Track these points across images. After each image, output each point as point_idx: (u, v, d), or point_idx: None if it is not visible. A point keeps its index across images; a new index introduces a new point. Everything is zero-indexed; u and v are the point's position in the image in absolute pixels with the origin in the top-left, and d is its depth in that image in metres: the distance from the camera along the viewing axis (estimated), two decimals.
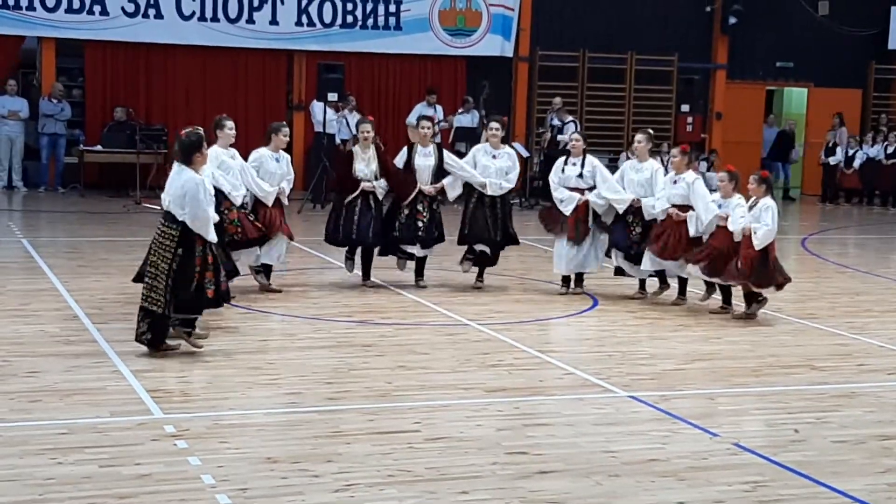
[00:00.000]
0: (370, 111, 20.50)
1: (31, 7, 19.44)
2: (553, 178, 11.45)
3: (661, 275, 11.14)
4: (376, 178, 11.13)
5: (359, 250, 11.37)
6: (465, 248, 11.64)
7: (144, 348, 8.27)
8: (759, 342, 9.60)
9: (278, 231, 10.70)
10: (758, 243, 10.12)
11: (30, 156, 20.05)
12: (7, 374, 7.67)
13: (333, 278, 11.92)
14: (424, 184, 11.24)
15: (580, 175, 11.20)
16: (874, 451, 6.63)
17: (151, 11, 19.96)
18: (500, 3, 21.85)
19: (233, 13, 20.38)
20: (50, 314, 9.65)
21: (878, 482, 6.10)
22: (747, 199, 10.35)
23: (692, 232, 10.65)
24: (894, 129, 23.73)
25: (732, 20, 23.01)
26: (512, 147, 12.41)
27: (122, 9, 19.80)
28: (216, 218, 8.42)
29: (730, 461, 6.36)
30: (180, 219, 8.07)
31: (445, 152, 11.63)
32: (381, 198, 11.25)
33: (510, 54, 22.09)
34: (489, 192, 11.36)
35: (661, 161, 21.90)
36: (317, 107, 19.44)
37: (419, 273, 11.60)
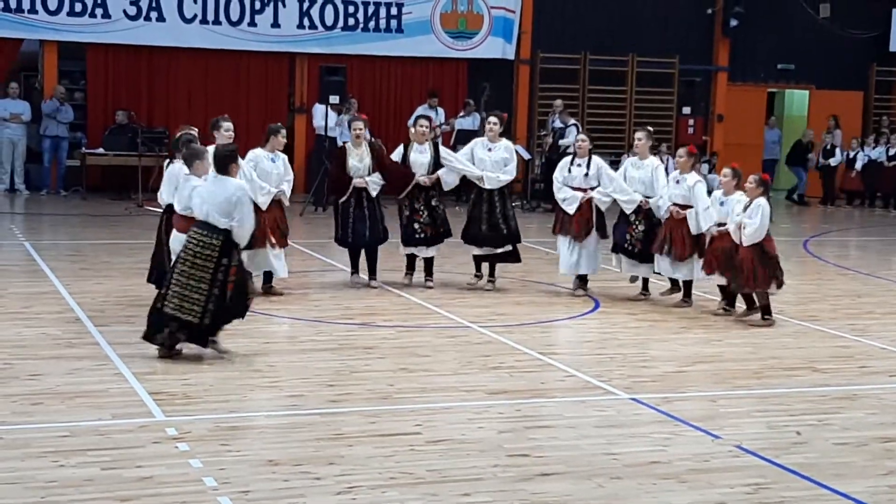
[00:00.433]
0: (372, 114, 20.50)
1: (32, 10, 19.44)
2: (557, 177, 11.51)
3: (674, 280, 11.17)
4: (370, 174, 11.20)
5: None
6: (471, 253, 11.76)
7: (145, 350, 8.28)
8: (761, 344, 9.59)
9: (260, 244, 10.37)
10: (745, 241, 10.18)
11: (32, 159, 20.05)
12: (9, 376, 7.67)
13: (335, 281, 11.92)
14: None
15: (586, 175, 11.26)
16: (876, 453, 6.63)
17: (153, 14, 19.96)
18: (502, 5, 21.86)
19: (234, 16, 20.39)
20: (52, 317, 9.66)
21: (879, 484, 6.10)
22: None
23: (693, 230, 10.69)
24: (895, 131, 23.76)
25: (733, 22, 23.02)
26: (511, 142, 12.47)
27: (124, 12, 19.81)
28: None
29: (731, 463, 6.36)
30: (223, 227, 8.11)
31: (441, 147, 11.76)
32: (374, 193, 11.29)
33: (511, 57, 22.09)
34: (486, 186, 11.43)
35: (664, 161, 21.99)
36: (318, 109, 19.46)
37: (428, 272, 11.68)
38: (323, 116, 18.91)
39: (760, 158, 24.13)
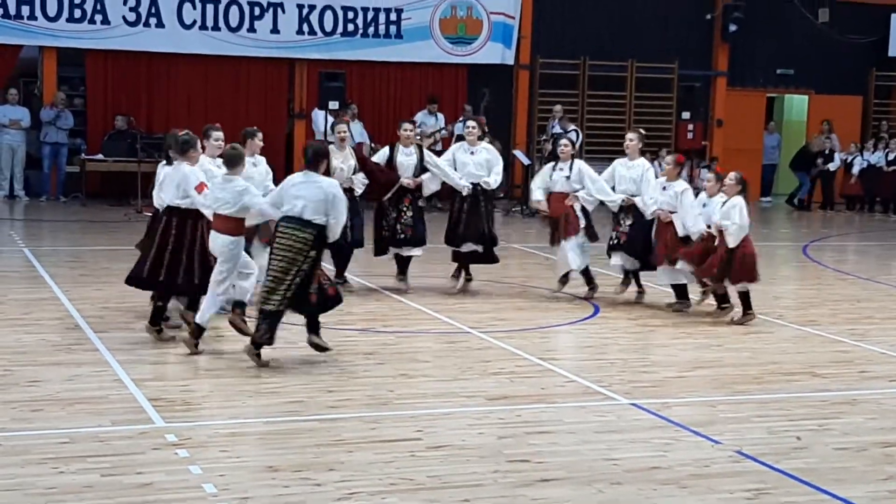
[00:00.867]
0: (371, 119, 20.58)
1: (32, 16, 19.46)
2: (536, 180, 11.82)
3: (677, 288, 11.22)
4: (354, 173, 11.23)
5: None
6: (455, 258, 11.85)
7: (145, 357, 8.28)
8: (761, 349, 9.59)
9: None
10: (731, 241, 10.27)
11: (31, 165, 20.07)
12: (9, 383, 7.67)
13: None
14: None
15: (567, 178, 11.38)
16: (876, 458, 6.63)
17: (153, 20, 19.99)
18: (501, 11, 21.89)
19: (234, 22, 20.41)
20: (51, 323, 9.65)
21: (879, 489, 6.09)
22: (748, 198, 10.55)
23: (680, 232, 10.81)
24: (895, 135, 23.75)
25: (733, 27, 23.05)
26: (493, 144, 12.59)
27: (124, 18, 19.83)
28: None
29: (732, 469, 6.36)
30: (318, 223, 8.25)
31: (426, 152, 11.80)
32: (357, 192, 11.38)
33: (511, 62, 22.11)
34: (465, 194, 11.58)
35: (661, 167, 22.01)
36: (318, 115, 19.47)
37: (402, 271, 11.77)
38: (323, 122, 18.92)
39: (760, 163, 24.16)
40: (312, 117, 20.11)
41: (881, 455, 6.70)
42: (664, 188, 10.97)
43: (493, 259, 11.85)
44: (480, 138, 11.96)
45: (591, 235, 11.48)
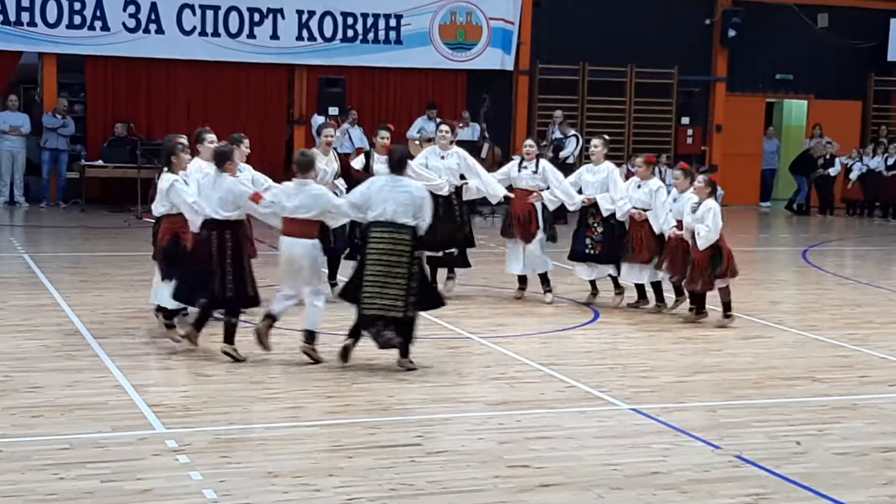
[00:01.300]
0: (371, 125, 20.51)
1: (32, 23, 19.48)
2: (496, 174, 11.99)
3: (655, 287, 11.34)
4: (335, 178, 11.25)
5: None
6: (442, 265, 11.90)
7: (145, 362, 8.28)
8: (761, 354, 9.60)
9: None
10: (701, 244, 10.40)
11: (31, 171, 20.08)
12: (9, 389, 7.67)
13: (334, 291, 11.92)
14: None
15: (535, 172, 11.49)
16: (876, 463, 6.63)
17: (152, 27, 20.00)
18: (500, 16, 21.90)
19: (233, 28, 20.43)
20: (51, 329, 9.66)
21: (880, 494, 6.09)
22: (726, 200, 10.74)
23: (656, 229, 11.00)
24: (894, 140, 23.76)
25: (732, 33, 23.06)
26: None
27: (123, 24, 19.85)
28: None
29: (732, 474, 6.36)
30: (411, 224, 8.42)
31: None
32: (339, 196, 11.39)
33: (510, 68, 22.13)
34: (444, 193, 11.58)
35: (660, 173, 22.06)
36: (318, 121, 19.47)
37: None
38: None
39: (759, 168, 24.18)
40: (312, 123, 20.11)
41: (881, 460, 6.70)
42: (639, 186, 11.19)
43: (465, 263, 11.89)
44: (452, 143, 11.97)
45: (552, 237, 11.70)
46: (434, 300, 8.90)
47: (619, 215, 11.22)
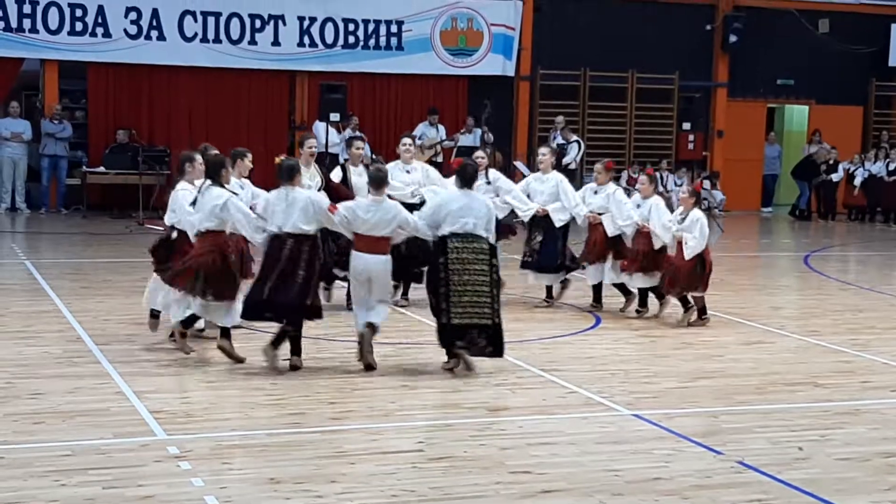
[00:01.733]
0: (372, 131, 20.60)
1: (33, 29, 19.51)
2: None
3: (621, 288, 11.55)
4: (319, 190, 11.20)
5: None
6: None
7: (147, 369, 8.29)
8: (762, 360, 9.59)
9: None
10: (688, 253, 10.61)
11: (33, 178, 20.09)
12: (10, 395, 7.67)
13: (335, 298, 11.91)
14: None
15: (488, 182, 11.51)
16: (878, 469, 6.63)
17: (154, 33, 20.03)
18: (501, 22, 21.93)
19: (235, 34, 20.45)
20: (53, 336, 9.66)
21: (882, 499, 6.09)
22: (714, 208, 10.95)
23: (610, 232, 11.28)
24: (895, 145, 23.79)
25: (733, 38, 23.08)
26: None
27: (125, 31, 19.88)
28: None
29: (734, 479, 6.35)
30: (485, 236, 8.65)
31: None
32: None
33: (511, 73, 22.15)
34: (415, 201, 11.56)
35: (661, 180, 22.08)
36: (319, 127, 19.50)
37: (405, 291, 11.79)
38: (324, 134, 18.94)
39: (760, 174, 24.18)
40: (313, 129, 20.12)
41: (884, 465, 6.69)
42: (595, 192, 11.50)
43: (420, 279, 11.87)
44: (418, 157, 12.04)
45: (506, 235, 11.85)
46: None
47: (578, 221, 11.54)
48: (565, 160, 20.00)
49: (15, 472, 6.08)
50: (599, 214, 11.37)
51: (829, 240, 20.14)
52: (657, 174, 21.69)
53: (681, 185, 21.86)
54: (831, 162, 23.24)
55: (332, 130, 19.06)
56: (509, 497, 5.94)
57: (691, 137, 22.09)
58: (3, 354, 8.89)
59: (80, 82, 20.36)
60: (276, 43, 20.69)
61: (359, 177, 11.33)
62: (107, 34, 19.82)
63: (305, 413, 7.49)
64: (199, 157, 9.44)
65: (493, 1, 22.05)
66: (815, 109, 24.52)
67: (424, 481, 6.12)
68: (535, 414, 7.67)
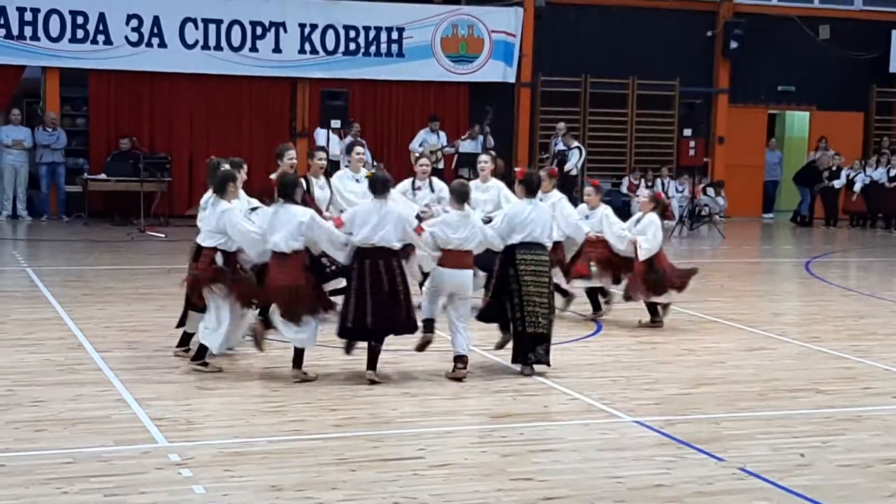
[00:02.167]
0: (373, 137, 20.60)
1: (34, 37, 19.51)
2: (396, 189, 11.92)
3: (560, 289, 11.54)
4: (329, 204, 11.13)
5: None
6: None
7: (148, 376, 8.29)
8: (764, 366, 9.59)
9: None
10: (642, 255, 10.81)
11: (34, 185, 20.09)
12: (12, 403, 7.67)
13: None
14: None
15: (431, 191, 11.53)
16: (880, 475, 6.62)
17: (155, 40, 20.03)
18: (502, 29, 21.94)
19: (236, 41, 20.46)
20: (54, 343, 9.66)
21: None
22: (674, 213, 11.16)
23: (555, 237, 11.17)
24: None
25: (734, 44, 23.09)
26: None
27: (126, 38, 19.88)
28: None
29: (736, 486, 6.35)
30: (548, 244, 9.04)
31: (333, 183, 11.29)
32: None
33: (512, 80, 22.15)
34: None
35: (662, 185, 22.08)
36: (321, 134, 19.50)
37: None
38: (325, 141, 18.94)
39: (761, 180, 24.18)
40: (314, 136, 20.13)
41: (886, 471, 6.69)
42: (541, 200, 11.26)
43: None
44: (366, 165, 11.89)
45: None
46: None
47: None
48: (566, 167, 20.00)
49: (17, 479, 6.08)
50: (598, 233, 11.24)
51: (831, 246, 20.13)
52: (646, 181, 21.86)
53: (682, 192, 22.02)
54: (834, 168, 23.23)
55: (333, 137, 19.05)
56: None
57: (692, 144, 22.07)
58: (5, 362, 8.90)
59: (82, 90, 20.35)
60: (277, 50, 20.70)
61: (320, 190, 11.03)
62: (108, 41, 19.83)
63: (307, 420, 7.49)
64: (241, 175, 9.35)
65: (493, 8, 22.07)
66: (815, 116, 24.52)
67: (425, 488, 6.12)
68: (536, 421, 7.67)
